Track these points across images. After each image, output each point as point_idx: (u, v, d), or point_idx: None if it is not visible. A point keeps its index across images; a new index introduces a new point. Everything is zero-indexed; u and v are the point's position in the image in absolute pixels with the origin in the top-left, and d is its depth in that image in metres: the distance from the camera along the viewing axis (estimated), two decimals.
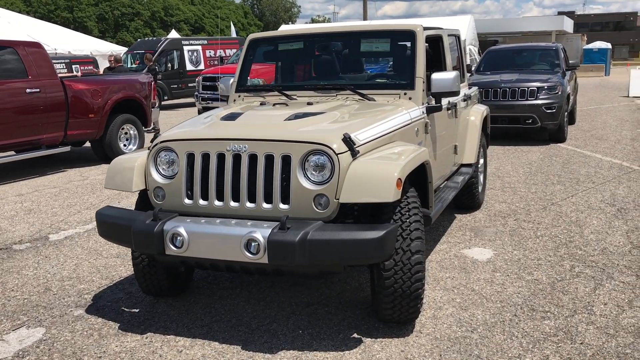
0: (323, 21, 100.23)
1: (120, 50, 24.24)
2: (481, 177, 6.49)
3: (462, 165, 5.85)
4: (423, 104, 4.43)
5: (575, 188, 7.18)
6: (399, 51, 4.74)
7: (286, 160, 3.39)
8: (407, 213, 3.45)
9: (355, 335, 3.58)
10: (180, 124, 4.09)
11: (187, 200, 3.60)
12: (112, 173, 3.85)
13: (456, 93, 4.43)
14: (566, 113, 10.92)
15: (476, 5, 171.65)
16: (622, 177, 7.71)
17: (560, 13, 66.75)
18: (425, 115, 4.45)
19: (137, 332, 3.69)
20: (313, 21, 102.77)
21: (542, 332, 3.57)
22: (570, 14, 67.01)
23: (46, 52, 9.32)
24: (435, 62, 5.18)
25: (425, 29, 4.73)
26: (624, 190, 6.97)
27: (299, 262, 3.16)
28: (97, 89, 9.68)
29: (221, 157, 3.52)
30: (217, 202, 3.52)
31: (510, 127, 10.63)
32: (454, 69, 5.63)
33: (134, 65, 20.03)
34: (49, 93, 8.96)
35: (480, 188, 6.33)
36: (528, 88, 10.34)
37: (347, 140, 3.37)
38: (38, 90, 8.79)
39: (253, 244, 3.23)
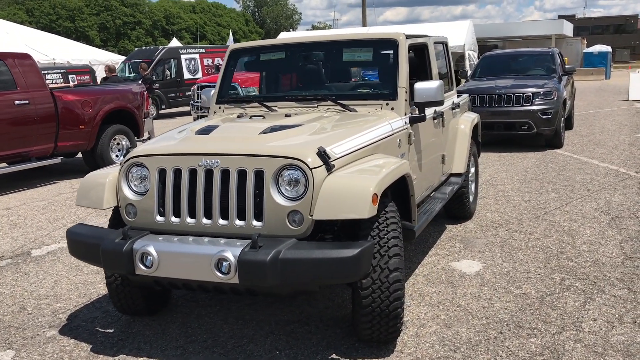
0: (324, 28, 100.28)
1: (119, 59, 24.21)
2: (472, 186, 6.36)
3: (452, 175, 5.73)
4: (406, 114, 4.31)
5: (570, 196, 7.04)
6: (381, 60, 4.63)
7: (259, 175, 3.28)
8: (385, 229, 3.33)
9: (333, 356, 3.45)
10: (154, 138, 3.98)
11: (159, 218, 3.49)
12: (83, 190, 3.74)
13: (440, 102, 4.32)
14: (562, 118, 10.79)
15: (477, 10, 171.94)
16: (618, 184, 7.57)
17: (560, 17, 66.70)
18: (409, 125, 4.33)
19: (109, 354, 3.57)
20: (314, 28, 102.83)
21: (528, 351, 3.44)
22: (571, 18, 66.96)
23: (36, 64, 9.24)
24: (421, 70, 5.06)
25: (409, 37, 4.63)
26: (619, 198, 6.83)
27: (270, 282, 3.04)
28: (87, 99, 9.60)
29: (193, 173, 3.41)
30: (189, 220, 3.41)
31: (505, 133, 10.50)
32: (441, 77, 5.52)
33: (131, 75, 19.98)
34: (39, 104, 8.88)
35: (471, 197, 6.20)
36: (523, 94, 10.22)
37: (322, 154, 3.25)
38: (27, 102, 8.71)
39: (224, 263, 3.12)
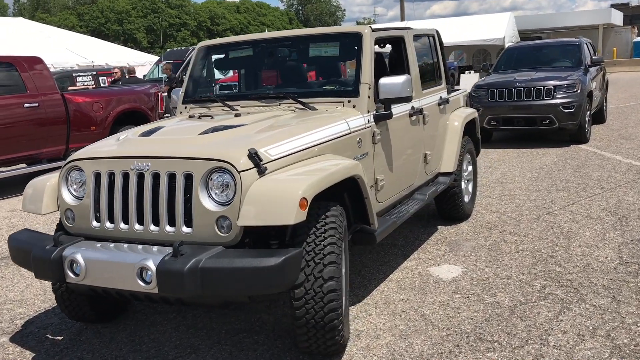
0: (367, 23, 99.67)
1: (153, 60, 24.55)
2: (470, 186, 6.05)
3: (440, 174, 5.44)
4: (369, 111, 4.07)
5: (580, 195, 6.63)
6: (347, 56, 4.41)
7: (189, 179, 3.13)
8: (322, 235, 3.12)
9: None
10: (100, 141, 3.88)
11: (95, 223, 3.38)
12: (26, 195, 3.67)
13: (407, 99, 4.07)
14: (589, 112, 10.26)
15: (527, 1, 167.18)
16: (637, 181, 7.09)
17: (613, 6, 64.21)
18: (373, 123, 4.09)
19: None
20: (358, 24, 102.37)
21: None
22: (624, 6, 64.33)
23: (46, 67, 9.36)
24: (398, 66, 4.81)
25: (378, 30, 4.38)
26: (633, 197, 6.39)
27: (189, 292, 2.88)
28: (98, 101, 9.67)
29: (126, 177, 3.28)
30: (122, 225, 3.29)
31: (526, 128, 10.05)
32: (425, 72, 5.25)
33: (163, 75, 20.18)
34: (49, 107, 8.98)
35: (467, 198, 5.89)
36: (544, 87, 9.74)
37: (253, 156, 3.07)
38: (37, 104, 8.82)
39: (147, 272, 2.97)
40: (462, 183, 5.77)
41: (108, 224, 3.33)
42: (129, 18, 71.32)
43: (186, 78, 4.77)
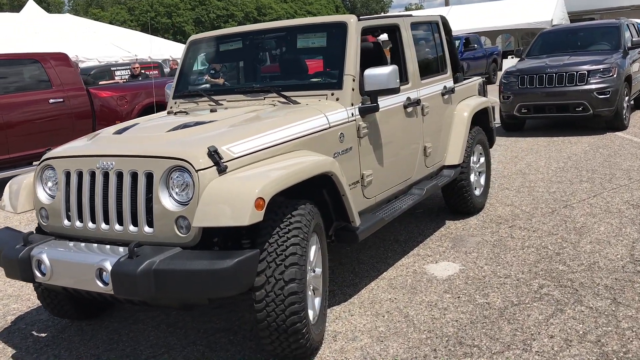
0: (415, 9, 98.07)
1: None
2: (482, 179, 5.80)
3: (445, 167, 5.23)
4: (353, 104, 3.92)
5: (604, 186, 6.28)
6: (334, 46, 4.24)
7: (150, 177, 3.07)
8: (284, 235, 3.01)
9: None
10: (77, 139, 3.87)
11: (66, 222, 3.37)
12: (6, 193, 3.69)
13: (394, 90, 3.90)
14: (627, 97, 9.74)
15: None
16: None
17: None
18: (359, 117, 3.94)
19: None
20: (406, 9, 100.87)
21: None
22: None
23: (71, 63, 9.53)
24: (394, 55, 4.63)
25: (366, 19, 4.20)
26: None
27: (143, 294, 2.83)
28: (123, 95, 9.79)
29: (93, 175, 3.25)
30: (90, 224, 3.27)
31: (558, 116, 9.62)
32: (426, 61, 5.04)
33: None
34: (74, 102, 9.14)
35: (478, 191, 5.66)
36: (577, 72, 9.29)
37: (213, 154, 2.98)
38: (62, 100, 8.99)
39: (105, 273, 2.94)
40: (472, 176, 5.54)
41: (78, 223, 3.31)
42: (177, 11, 72.38)
43: (176, 73, 4.72)
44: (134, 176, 3.11)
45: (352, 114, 3.90)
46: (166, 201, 3.02)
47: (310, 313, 3.26)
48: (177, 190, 3.03)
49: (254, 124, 3.44)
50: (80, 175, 3.31)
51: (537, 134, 9.88)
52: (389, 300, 3.92)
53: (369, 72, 3.87)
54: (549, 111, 9.57)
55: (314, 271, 3.41)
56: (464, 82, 5.76)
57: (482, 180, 5.81)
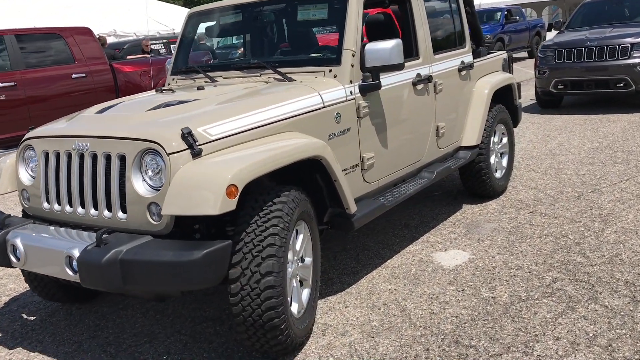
0: None
1: None
2: (504, 160, 5.46)
3: (461, 148, 4.92)
4: (352, 82, 3.65)
5: (639, 169, 5.85)
6: (334, 19, 3.96)
7: (123, 160, 2.89)
8: (263, 225, 2.80)
9: None
10: (60, 118, 3.72)
11: (45, 204, 3.24)
12: None
13: (398, 66, 3.61)
14: None
15: None
16: None
17: None
18: (359, 95, 3.67)
19: (7, 346, 3.43)
20: None
21: None
22: None
23: (95, 37, 9.46)
24: (404, 29, 4.31)
25: None
26: None
27: (110, 285, 2.68)
28: (147, 70, 9.69)
29: (70, 157, 3.10)
30: (68, 208, 3.13)
31: (597, 92, 9.08)
32: (442, 34, 4.71)
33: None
34: (96, 77, 9.09)
35: (499, 173, 5.33)
36: (619, 45, 8.70)
37: (186, 137, 2.77)
38: (84, 75, 8.95)
39: (74, 261, 2.79)
40: (492, 157, 5.21)
41: (56, 206, 3.18)
42: None
43: (175, 49, 4.52)
44: (108, 158, 2.94)
45: (351, 92, 3.63)
46: (139, 186, 2.84)
47: (295, 306, 3.06)
48: (150, 174, 2.85)
49: (238, 103, 3.22)
50: (58, 156, 3.16)
51: (574, 112, 9.35)
52: (388, 292, 3.69)
53: (370, 46, 3.59)
54: (588, 87, 9.03)
55: (303, 261, 3.21)
56: (486, 57, 5.39)
57: (505, 162, 5.47)
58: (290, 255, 3.01)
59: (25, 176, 3.38)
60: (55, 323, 3.66)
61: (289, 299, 2.95)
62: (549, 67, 9.23)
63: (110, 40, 18.44)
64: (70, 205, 3.11)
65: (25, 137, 3.40)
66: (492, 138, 5.15)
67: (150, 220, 2.82)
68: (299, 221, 3.10)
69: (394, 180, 4.10)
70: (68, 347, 3.35)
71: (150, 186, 2.84)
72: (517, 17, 19.09)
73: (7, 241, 3.08)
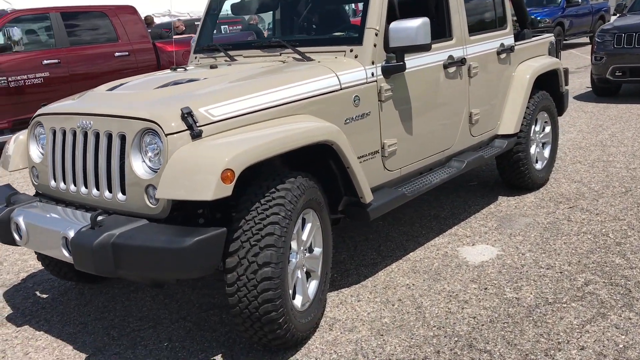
0: None
1: None
2: (546, 151, 5.13)
3: (498, 136, 4.63)
4: (374, 63, 3.43)
5: None
6: None
7: (124, 140, 2.78)
8: (264, 212, 2.64)
9: (215, 358, 2.90)
10: (74, 95, 3.64)
11: (52, 183, 3.18)
12: (5, 150, 3.55)
13: (425, 47, 3.37)
14: None
15: None
16: None
17: None
18: (381, 77, 3.45)
19: (15, 324, 3.41)
20: None
21: None
22: None
23: (139, 16, 9.47)
24: (437, 7, 4.04)
25: None
26: None
27: (102, 269, 2.58)
28: (189, 49, 9.63)
29: (75, 135, 3.02)
30: (72, 187, 3.06)
31: None
32: (479, 14, 4.41)
33: None
34: (139, 56, 9.12)
35: (540, 164, 5.01)
36: None
37: (186, 117, 2.64)
38: (127, 53, 8.98)
39: (69, 242, 2.71)
40: (532, 147, 4.89)
41: (62, 185, 3.11)
42: None
43: (199, 27, 4.40)
44: (110, 137, 2.84)
45: (373, 74, 3.41)
46: (137, 167, 2.73)
47: (299, 299, 2.91)
48: (150, 155, 2.73)
49: (246, 83, 3.05)
50: (64, 133, 3.09)
51: (632, 101, 8.78)
52: (405, 286, 3.48)
53: (394, 25, 3.36)
54: None
55: (311, 252, 3.05)
56: (531, 40, 5.05)
57: (546, 153, 5.14)
58: (294, 245, 2.86)
59: (35, 153, 3.33)
60: (65, 302, 3.63)
61: (290, 291, 2.80)
62: (606, 52, 8.69)
63: (164, 20, 18.62)
64: (75, 185, 3.04)
65: (35, 113, 3.34)
66: (532, 127, 4.83)
67: (148, 203, 2.71)
68: (307, 210, 2.93)
69: (419, 168, 3.87)
70: (73, 328, 3.30)
71: (150, 168, 2.73)
72: (580, 0, 18.20)
73: (12, 219, 3.03)
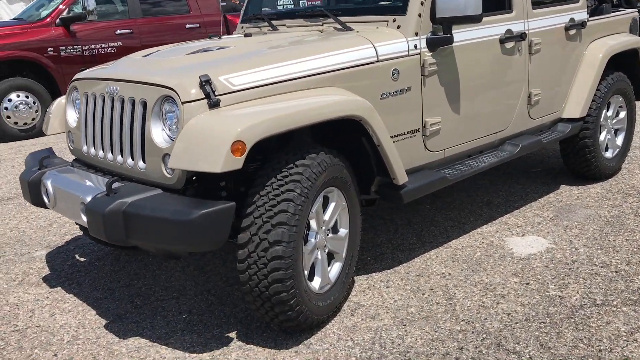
0: None
1: None
2: (619, 138, 4.69)
3: (561, 120, 4.26)
4: (418, 34, 3.19)
5: None
6: None
7: (146, 107, 2.73)
8: (279, 188, 2.52)
9: (230, 334, 2.83)
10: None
11: (85, 148, 3.19)
12: (47, 113, 3.60)
13: (475, 19, 3.10)
14: None
15: None
16: None
17: None
18: (425, 50, 3.21)
19: (49, 285, 3.48)
20: None
21: None
22: None
23: None
24: None
25: None
26: None
27: (113, 237, 2.54)
28: None
29: (104, 100, 3.00)
30: (100, 153, 3.04)
31: None
32: None
33: None
34: (210, 28, 9.15)
35: (610, 153, 4.60)
36: None
37: (204, 85, 2.53)
38: (198, 25, 9.04)
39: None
40: (602, 134, 4.49)
41: (92, 150, 3.11)
42: None
43: None
44: (134, 104, 2.79)
45: (416, 46, 3.18)
46: (157, 135, 2.67)
47: (317, 281, 2.78)
48: (169, 123, 2.66)
49: (273, 52, 2.91)
50: (95, 99, 3.07)
51: None
52: (440, 275, 3.27)
53: None
54: None
55: (336, 232, 2.90)
56: (609, 15, 4.60)
57: (619, 140, 4.70)
58: (314, 225, 2.72)
59: (72, 118, 3.35)
60: (99, 267, 3.67)
61: (306, 272, 2.66)
62: None
63: None
64: (103, 151, 3.02)
65: (73, 78, 3.35)
66: (603, 111, 4.42)
67: (165, 172, 2.64)
68: (330, 188, 2.78)
69: (466, 150, 3.61)
70: (101, 293, 3.33)
71: (168, 136, 2.66)
72: None
73: (42, 181, 3.06)
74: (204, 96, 2.54)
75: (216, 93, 2.55)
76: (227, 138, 2.34)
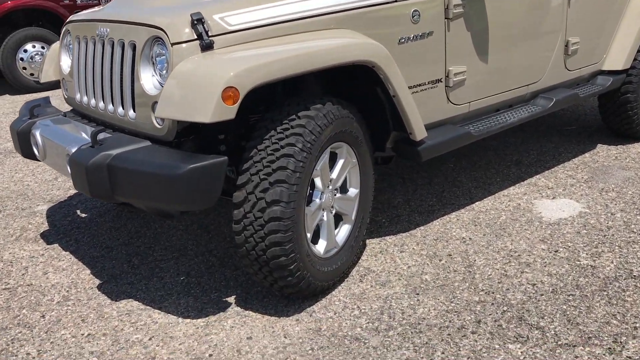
0: None
1: None
2: None
3: (601, 72, 3.89)
4: None
5: None
6: None
7: (135, 50, 2.47)
8: (278, 142, 2.26)
9: (228, 299, 2.62)
10: None
11: (77, 96, 2.96)
12: (42, 61, 3.38)
13: None
14: None
15: None
16: None
17: None
18: None
19: (46, 241, 3.31)
20: None
21: None
22: None
23: None
24: None
25: None
26: None
27: (97, 191, 2.33)
28: None
29: (95, 44, 2.75)
30: (92, 101, 2.81)
31: None
32: None
33: None
34: None
35: None
36: None
37: (195, 24, 2.26)
38: None
39: None
40: None
41: (84, 98, 2.88)
42: None
43: None
44: (123, 46, 2.53)
45: None
46: (147, 80, 2.42)
47: (322, 244, 2.54)
48: (159, 67, 2.40)
49: None
50: (87, 43, 2.82)
51: None
52: (460, 240, 3.00)
53: None
54: None
55: (345, 192, 2.65)
56: None
57: None
58: (319, 183, 2.46)
59: (65, 64, 3.12)
60: (100, 224, 3.49)
61: (309, 235, 2.42)
62: None
63: None
64: (95, 99, 2.79)
65: (66, 21, 3.11)
66: None
67: (155, 123, 2.40)
68: (338, 143, 2.51)
69: (494, 104, 3.29)
70: (98, 252, 3.15)
71: (159, 82, 2.41)
72: None
73: (32, 132, 2.86)
74: (195, 37, 2.27)
75: (209, 34, 2.28)
76: (217, 83, 2.08)
